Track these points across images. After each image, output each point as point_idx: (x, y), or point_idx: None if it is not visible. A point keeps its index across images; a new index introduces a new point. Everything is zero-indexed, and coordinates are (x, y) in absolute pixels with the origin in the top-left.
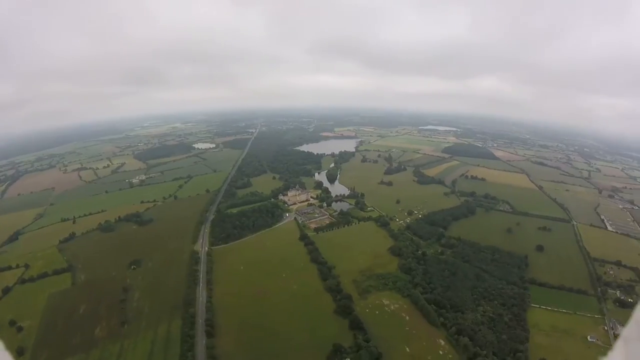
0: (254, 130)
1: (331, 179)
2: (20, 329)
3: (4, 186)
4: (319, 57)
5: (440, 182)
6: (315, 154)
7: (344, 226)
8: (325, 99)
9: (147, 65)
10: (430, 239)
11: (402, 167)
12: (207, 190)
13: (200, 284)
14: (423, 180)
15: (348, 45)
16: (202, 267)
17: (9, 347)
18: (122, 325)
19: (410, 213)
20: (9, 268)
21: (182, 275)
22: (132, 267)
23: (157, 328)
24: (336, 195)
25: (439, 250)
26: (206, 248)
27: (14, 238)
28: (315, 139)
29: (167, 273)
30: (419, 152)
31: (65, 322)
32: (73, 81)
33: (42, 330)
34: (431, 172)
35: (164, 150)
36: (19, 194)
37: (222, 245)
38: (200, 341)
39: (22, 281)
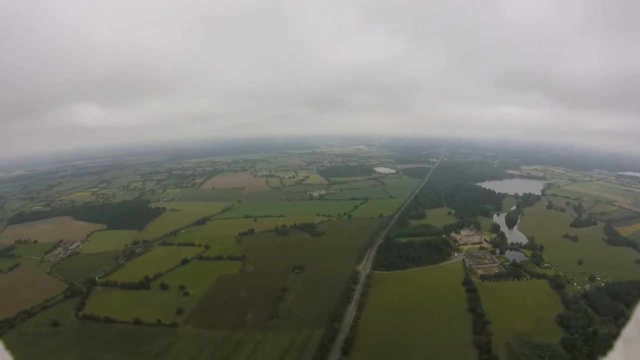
0: (435, 160)
1: (510, 224)
2: (186, 294)
3: (202, 179)
4: (501, 88)
5: (635, 246)
6: (497, 192)
7: (512, 279)
8: (509, 132)
9: (328, 94)
10: (607, 315)
11: (592, 220)
12: (381, 215)
13: (352, 303)
14: (615, 240)
15: (531, 77)
16: (359, 288)
17: (172, 305)
18: (271, 318)
19: (591, 278)
20: (192, 245)
21: (338, 290)
22: (295, 271)
23: (299, 331)
24: (512, 243)
25: (614, 332)
26: (367, 270)
27: (202, 222)
28: (499, 176)
29: (324, 284)
30: (614, 204)
31: (224, 300)
32: (263, 102)
33: (204, 301)
34: (626, 230)
35: (345, 170)
36: (213, 188)
37: (383, 272)
38: (334, 356)
39: (200, 258)
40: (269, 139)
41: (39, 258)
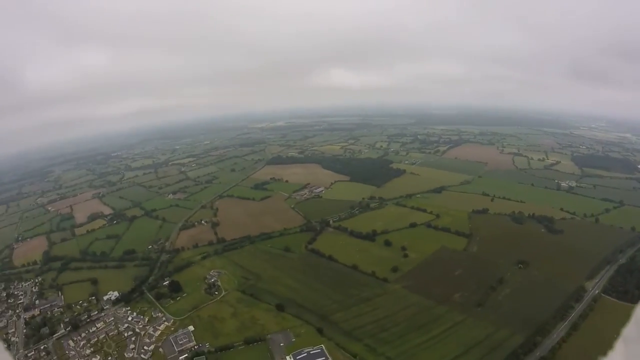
0: None
1: None
2: (406, 255)
3: (446, 147)
4: None
5: None
6: None
7: None
8: None
9: (592, 62)
10: None
11: None
12: (633, 228)
13: (565, 322)
14: None
15: None
16: (579, 308)
17: (390, 262)
18: (477, 306)
19: None
20: (424, 211)
21: (556, 302)
22: (519, 265)
23: (499, 329)
24: None
25: None
26: (596, 291)
27: (438, 191)
28: None
29: (544, 289)
30: None
31: (439, 272)
32: (517, 68)
33: (420, 266)
34: None
35: (604, 162)
36: (455, 158)
37: (614, 299)
38: None
39: (428, 225)
40: (521, 111)
41: (287, 195)
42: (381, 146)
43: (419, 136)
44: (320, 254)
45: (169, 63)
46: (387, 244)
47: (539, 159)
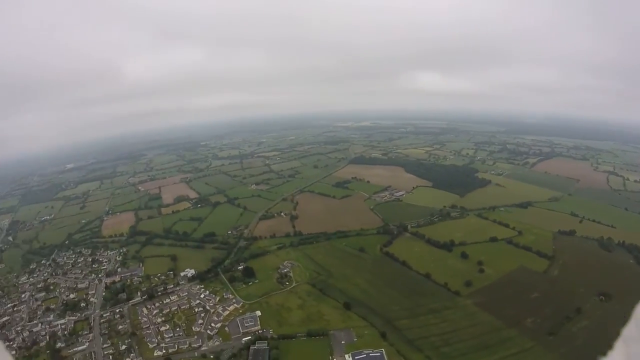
0: None
1: None
2: (481, 270)
3: (536, 160)
4: None
5: None
6: None
7: None
8: None
9: None
10: None
11: None
12: None
13: None
14: None
15: None
16: None
17: (464, 275)
18: (549, 334)
19: None
20: (506, 226)
21: None
22: (600, 297)
23: None
24: None
25: None
26: None
27: (523, 206)
28: None
29: (623, 327)
30: None
31: (514, 293)
32: (616, 77)
33: (495, 284)
34: None
35: None
36: (545, 172)
37: None
38: None
39: (509, 242)
40: (618, 124)
41: (367, 195)
42: (467, 153)
43: (507, 145)
44: (395, 258)
45: (261, 61)
46: (464, 256)
47: (635, 180)
